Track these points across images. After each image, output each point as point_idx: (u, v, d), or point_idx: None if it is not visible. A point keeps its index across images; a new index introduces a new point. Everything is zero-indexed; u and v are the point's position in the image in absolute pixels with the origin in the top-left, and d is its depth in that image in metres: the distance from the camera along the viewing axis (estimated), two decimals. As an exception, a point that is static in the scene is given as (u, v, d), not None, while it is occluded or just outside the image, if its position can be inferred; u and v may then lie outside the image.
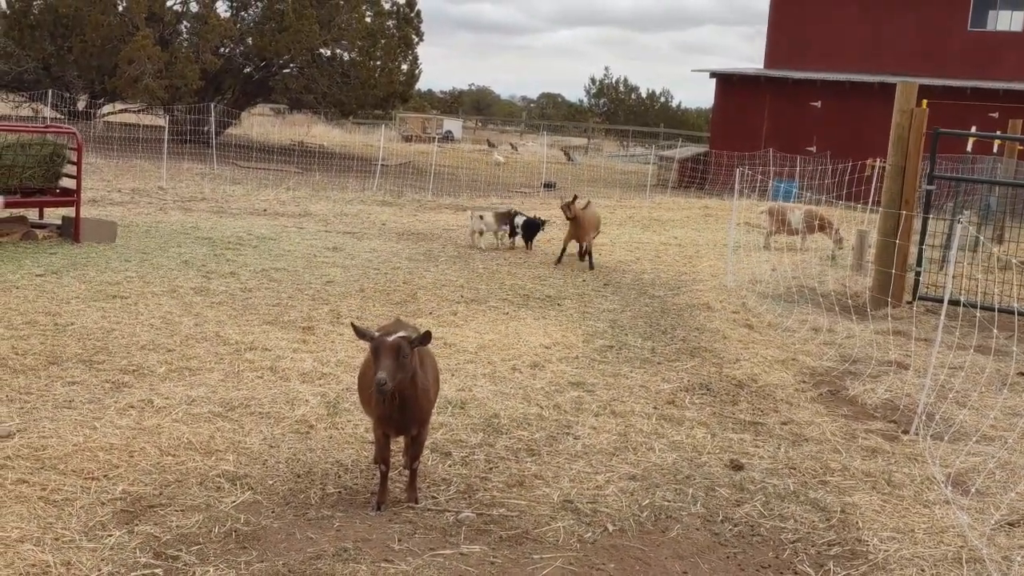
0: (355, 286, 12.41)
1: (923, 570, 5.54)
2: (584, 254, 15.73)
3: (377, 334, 5.51)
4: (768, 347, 10.66)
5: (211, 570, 4.90)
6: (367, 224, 19.12)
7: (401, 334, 5.44)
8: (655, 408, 8.21)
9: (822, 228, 18.96)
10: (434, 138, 42.47)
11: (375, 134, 40.27)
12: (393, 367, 5.32)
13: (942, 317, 8.28)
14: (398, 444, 6.19)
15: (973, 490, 6.71)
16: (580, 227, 15.48)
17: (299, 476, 6.23)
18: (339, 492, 6.03)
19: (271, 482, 6.09)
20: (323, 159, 32.10)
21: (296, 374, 8.36)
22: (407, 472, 6.11)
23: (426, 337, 5.58)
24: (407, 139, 47.92)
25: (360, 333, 5.54)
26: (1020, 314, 9.96)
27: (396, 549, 5.31)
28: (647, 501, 6.26)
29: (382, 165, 28.29)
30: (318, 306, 11.07)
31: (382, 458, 5.92)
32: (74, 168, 14.46)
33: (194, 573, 4.86)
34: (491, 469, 6.61)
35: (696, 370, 9.46)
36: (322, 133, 45.77)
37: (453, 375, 8.60)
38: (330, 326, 10.17)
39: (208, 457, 6.39)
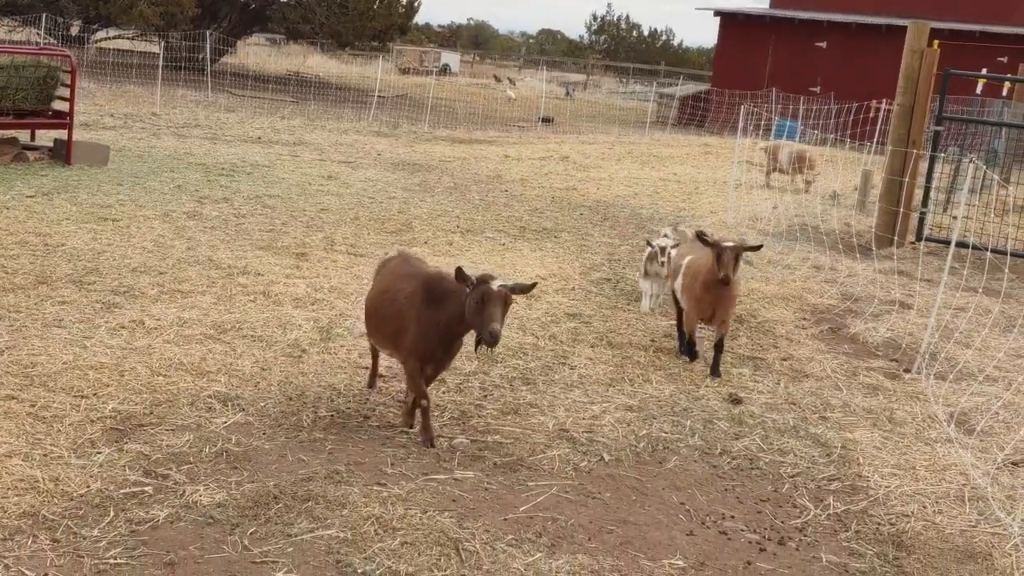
0: (349, 214, 12.22)
1: (924, 506, 5.46)
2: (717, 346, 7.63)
3: (477, 279, 5.30)
4: (768, 283, 10.53)
5: (201, 489, 4.79)
6: (362, 154, 18.86)
7: (501, 282, 5.27)
8: (652, 341, 8.10)
9: (806, 167, 18.51)
10: (431, 71, 41.91)
11: (372, 66, 39.71)
12: (502, 317, 5.22)
13: (949, 256, 8.15)
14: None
15: (977, 430, 6.61)
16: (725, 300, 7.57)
17: (291, 399, 6.12)
18: (331, 416, 5.92)
19: (263, 404, 5.97)
20: (319, 90, 31.66)
21: (289, 299, 8.22)
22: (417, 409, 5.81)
23: (531, 287, 5.52)
24: (404, 72, 47.30)
25: (461, 277, 5.32)
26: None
27: (389, 473, 5.21)
28: (644, 432, 6.16)
29: (379, 97, 27.89)
30: (312, 233, 10.89)
31: (420, 392, 5.61)
32: (67, 91, 14.16)
33: (184, 491, 4.75)
34: (485, 397, 6.50)
35: (695, 305, 9.32)
36: (318, 64, 45.10)
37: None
38: (324, 253, 10.00)
39: (199, 378, 6.26)
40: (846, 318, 9.44)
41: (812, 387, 7.34)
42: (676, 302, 8.01)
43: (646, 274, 9.06)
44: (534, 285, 5.56)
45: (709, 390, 7.03)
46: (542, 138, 26.70)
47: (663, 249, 8.62)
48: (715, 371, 7.36)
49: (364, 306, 6.17)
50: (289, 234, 10.71)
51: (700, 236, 7.25)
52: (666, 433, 6.19)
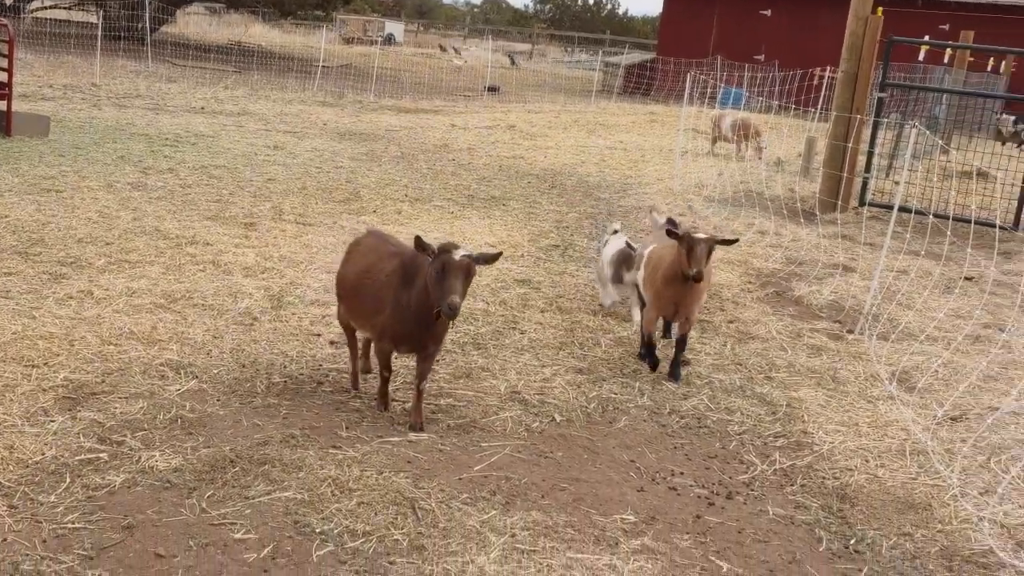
0: (297, 184, 12.15)
1: (867, 460, 5.63)
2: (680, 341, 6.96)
3: (439, 249, 5.06)
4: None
5: (157, 454, 4.80)
6: (308, 124, 18.72)
7: (464, 252, 5.04)
8: (601, 306, 8.19)
9: (749, 136, 18.68)
10: (375, 41, 41.56)
11: (315, 36, 39.30)
12: (464, 289, 4.99)
13: (892, 220, 8.32)
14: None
15: (917, 387, 6.81)
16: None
17: (244, 366, 6.12)
18: (285, 382, 5.94)
19: (216, 371, 5.98)
20: (262, 60, 31.25)
21: (239, 268, 8.19)
22: (412, 392, 5.65)
23: (495, 256, 5.29)
24: (348, 41, 46.87)
25: (421, 246, 5.09)
26: (969, 222, 10.07)
27: (344, 436, 5.26)
28: (594, 393, 6.27)
29: (323, 67, 27.63)
30: (260, 203, 10.83)
31: (386, 366, 5.59)
32: (5, 61, 13.86)
33: (140, 457, 4.76)
34: (438, 361, 6.55)
35: (644, 270, 9.43)
36: (260, 34, 44.49)
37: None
38: (272, 222, 9.96)
39: (151, 347, 6.24)
40: (791, 281, 9.62)
41: (758, 348, 7.50)
42: (639, 296, 7.26)
43: (615, 278, 7.79)
44: (499, 254, 5.38)
45: (658, 352, 7.13)
46: (488, 107, 26.67)
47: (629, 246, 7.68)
48: (674, 373, 6.63)
49: (338, 286, 5.94)
50: (236, 204, 10.64)
51: (670, 229, 6.44)
52: (616, 394, 6.30)
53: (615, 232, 8.11)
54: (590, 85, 33.90)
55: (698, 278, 6.15)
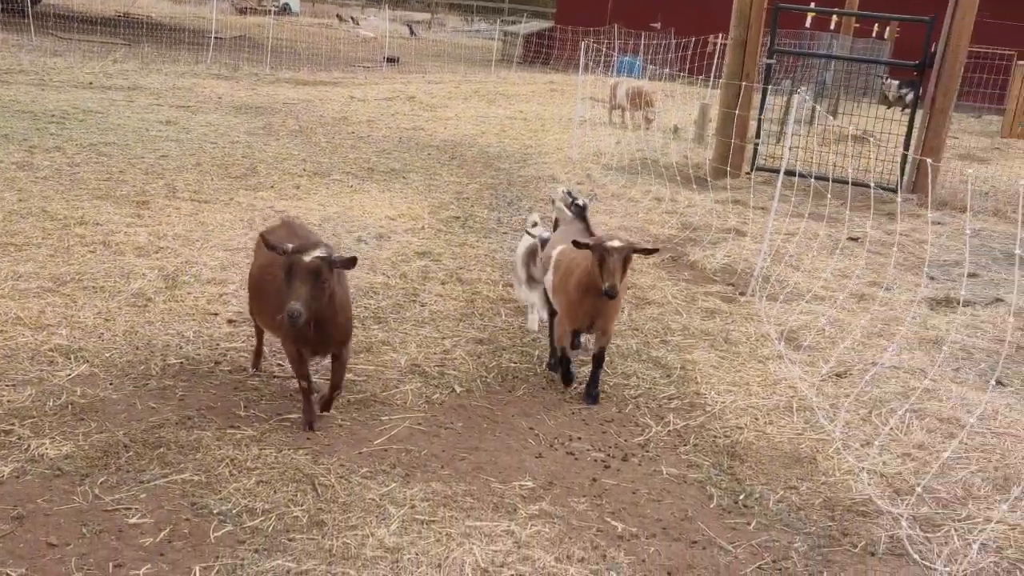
0: (191, 160, 11.92)
1: (756, 418, 5.82)
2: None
3: (291, 248, 4.58)
4: (612, 216, 10.82)
5: (47, 442, 4.71)
6: (202, 98, 18.32)
7: (319, 253, 4.57)
8: (501, 276, 8.26)
9: (641, 104, 18.83)
10: (270, 11, 40.76)
11: (207, 6, 38.36)
12: (309, 293, 4.52)
13: (779, 184, 8.53)
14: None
15: (804, 345, 7.04)
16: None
17: (138, 348, 6.03)
18: (181, 363, 5.87)
19: (108, 355, 5.87)
20: (152, 31, 30.40)
21: (131, 248, 8.03)
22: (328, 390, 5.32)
23: (351, 262, 4.71)
24: (241, 11, 45.82)
25: (271, 246, 4.67)
26: (853, 184, 10.38)
27: (242, 415, 5.23)
28: (494, 363, 6.33)
29: (215, 38, 27.01)
30: (152, 180, 10.60)
31: (300, 373, 5.09)
32: None
33: (29, 446, 4.67)
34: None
35: (542, 239, 9.51)
36: (149, 4, 43.26)
37: (297, 247, 8.42)
38: (165, 200, 9.76)
39: (39, 332, 6.10)
40: (686, 246, 9.81)
41: (654, 313, 7.65)
42: (546, 298, 6.34)
43: (529, 279, 6.85)
44: (354, 260, 4.72)
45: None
46: (388, 78, 26.45)
47: (543, 241, 6.59)
48: (591, 395, 5.86)
49: (248, 281, 5.66)
50: (128, 182, 10.40)
51: (576, 240, 5.48)
52: (515, 363, 6.37)
53: (534, 225, 7.06)
54: (490, 55, 33.84)
55: (611, 293, 5.28)
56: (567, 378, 6.04)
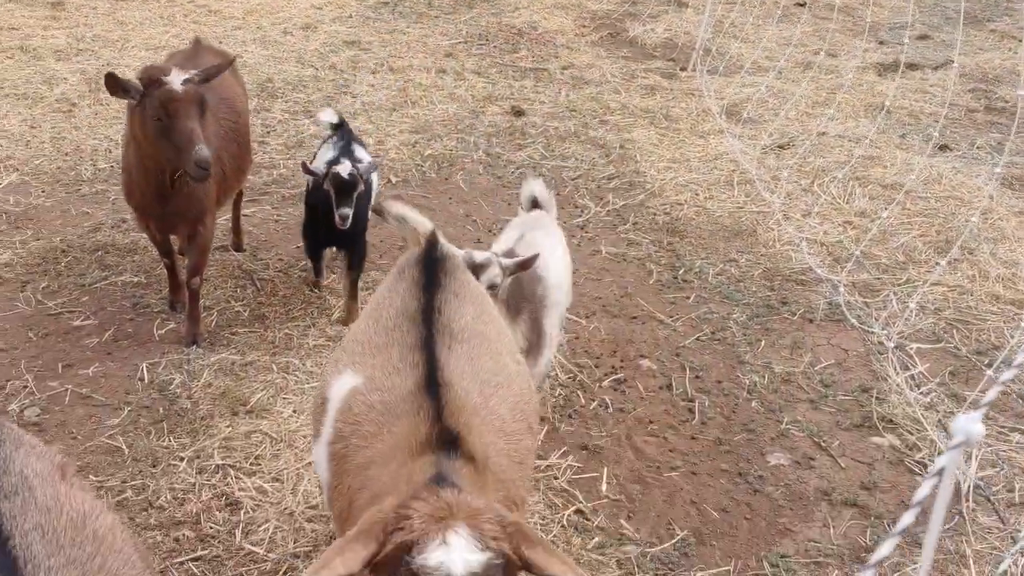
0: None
1: (697, 194, 5.85)
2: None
3: (151, 81, 3.53)
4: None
5: (-21, 253, 4.66)
6: None
7: (187, 75, 3.55)
8: (434, 62, 8.05)
9: None
10: None
11: None
12: (206, 126, 3.66)
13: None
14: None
15: (744, 117, 6.98)
16: None
17: (67, 154, 5.88)
18: (111, 167, 5.73)
19: (37, 162, 5.73)
20: None
21: (50, 52, 7.69)
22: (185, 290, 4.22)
23: (219, 67, 3.75)
24: None
25: (115, 86, 3.55)
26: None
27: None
28: (429, 152, 6.26)
29: None
30: (65, -24, 10.04)
31: (162, 251, 4.24)
32: None
33: (-40, 258, 4.62)
34: (268, 133, 6.41)
35: (475, 21, 9.24)
36: None
37: (221, 42, 8.10)
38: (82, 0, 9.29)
39: (-41, 142, 5.92)
40: (625, 22, 9.57)
41: (592, 93, 7.54)
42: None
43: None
44: (231, 59, 3.92)
45: (492, 105, 7.12)
46: None
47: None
48: None
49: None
50: (38, -21, 9.84)
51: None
52: (451, 150, 6.30)
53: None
54: None
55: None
56: None
